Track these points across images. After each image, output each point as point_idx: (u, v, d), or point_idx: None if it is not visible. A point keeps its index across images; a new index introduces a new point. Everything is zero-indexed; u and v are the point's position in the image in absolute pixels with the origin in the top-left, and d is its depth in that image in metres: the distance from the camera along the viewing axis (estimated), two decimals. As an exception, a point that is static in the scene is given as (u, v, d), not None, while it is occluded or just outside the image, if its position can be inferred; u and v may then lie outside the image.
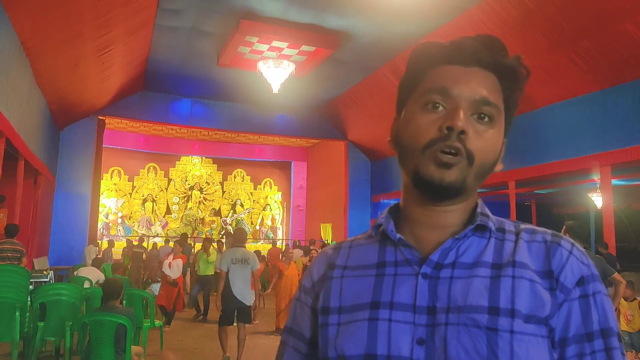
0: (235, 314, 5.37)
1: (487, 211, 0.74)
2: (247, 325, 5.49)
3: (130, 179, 17.60)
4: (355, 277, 0.74)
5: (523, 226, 0.74)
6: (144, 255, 11.59)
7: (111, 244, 11.69)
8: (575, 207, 13.18)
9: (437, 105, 0.69)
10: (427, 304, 0.66)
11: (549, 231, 0.73)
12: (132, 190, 17.63)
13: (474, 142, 0.67)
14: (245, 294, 5.32)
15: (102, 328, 3.80)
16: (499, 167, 0.74)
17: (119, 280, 4.37)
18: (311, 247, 9.52)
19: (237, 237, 5.66)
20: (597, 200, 10.41)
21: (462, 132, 0.66)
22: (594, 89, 7.30)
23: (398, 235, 0.72)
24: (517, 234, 0.72)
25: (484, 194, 12.37)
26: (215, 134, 16.11)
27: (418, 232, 0.73)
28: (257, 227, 18.92)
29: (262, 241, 17.82)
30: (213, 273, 8.19)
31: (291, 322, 0.82)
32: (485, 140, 0.68)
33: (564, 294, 0.66)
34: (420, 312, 0.66)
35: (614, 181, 8.20)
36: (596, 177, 8.33)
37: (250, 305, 5.45)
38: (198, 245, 11.99)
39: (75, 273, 7.46)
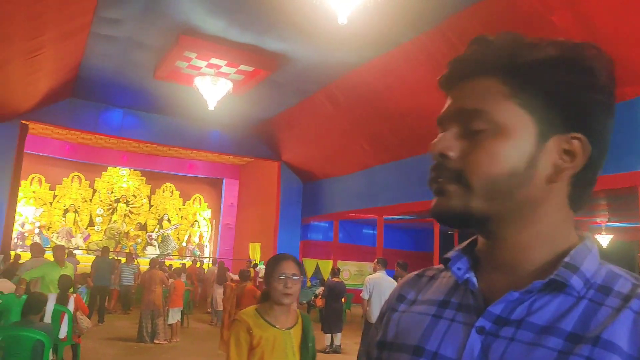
0: None
1: (585, 258, 0.55)
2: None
3: (52, 188, 16.52)
4: (415, 313, 0.63)
5: None
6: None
7: (17, 257, 10.80)
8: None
9: None
10: None
11: None
12: (53, 200, 16.54)
13: (466, 158, 0.56)
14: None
15: (18, 344, 3.65)
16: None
17: (44, 294, 4.24)
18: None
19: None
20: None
21: (442, 155, 0.57)
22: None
23: (466, 275, 0.60)
24: (627, 299, 0.51)
25: (412, 220, 13.12)
26: (146, 146, 15.64)
27: (487, 272, 0.60)
28: (184, 244, 18.41)
29: (187, 258, 17.35)
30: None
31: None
32: (483, 151, 0.56)
33: None
34: None
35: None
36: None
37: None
38: (124, 259, 11.39)
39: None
